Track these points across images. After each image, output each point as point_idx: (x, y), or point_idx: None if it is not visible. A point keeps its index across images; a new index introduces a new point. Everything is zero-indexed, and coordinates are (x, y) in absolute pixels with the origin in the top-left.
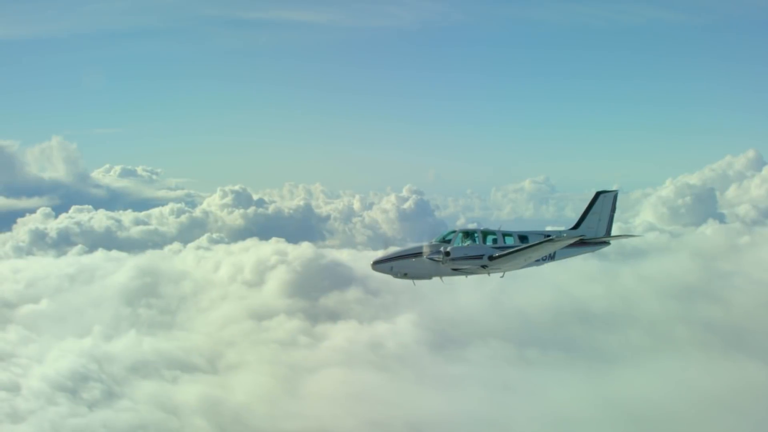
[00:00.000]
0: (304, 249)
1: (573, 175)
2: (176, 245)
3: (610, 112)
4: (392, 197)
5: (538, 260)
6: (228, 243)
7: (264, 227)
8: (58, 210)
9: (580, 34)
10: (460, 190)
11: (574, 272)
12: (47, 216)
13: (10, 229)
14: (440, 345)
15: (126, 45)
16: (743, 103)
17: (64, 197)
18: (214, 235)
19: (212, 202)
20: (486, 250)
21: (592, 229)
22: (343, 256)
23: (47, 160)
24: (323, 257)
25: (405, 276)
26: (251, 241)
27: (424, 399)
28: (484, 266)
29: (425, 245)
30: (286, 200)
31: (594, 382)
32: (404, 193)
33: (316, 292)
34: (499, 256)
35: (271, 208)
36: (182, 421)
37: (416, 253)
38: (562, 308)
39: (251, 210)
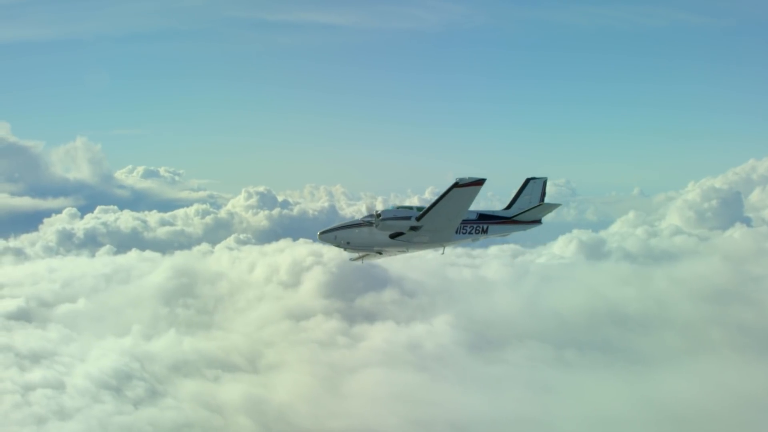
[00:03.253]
0: (339, 250)
1: (594, 179)
2: (205, 246)
3: (631, 115)
4: (415, 199)
5: (471, 233)
6: (255, 244)
7: (289, 228)
8: (84, 210)
9: (604, 37)
10: (481, 192)
11: (607, 275)
12: (73, 216)
13: (36, 229)
14: (478, 346)
15: (149, 46)
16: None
17: (89, 198)
18: (242, 236)
19: (237, 204)
20: (413, 213)
21: (532, 216)
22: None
23: (72, 160)
24: None
25: (348, 245)
26: (285, 242)
27: (465, 399)
28: (413, 228)
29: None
30: (308, 202)
31: (632, 383)
32: (427, 195)
33: (352, 293)
34: (423, 215)
35: (295, 210)
36: (227, 419)
37: (358, 224)
38: (596, 310)
39: (276, 211)
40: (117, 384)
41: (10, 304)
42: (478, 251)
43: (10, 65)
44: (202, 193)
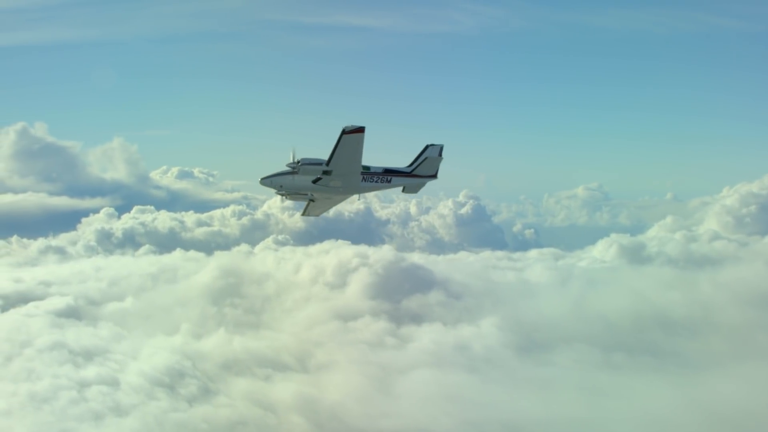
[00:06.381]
0: (385, 252)
1: (627, 183)
2: (244, 247)
3: (663, 120)
4: (449, 202)
5: (377, 182)
6: (294, 245)
7: (325, 230)
8: (121, 210)
9: (640, 42)
10: (512, 196)
11: (651, 279)
12: (110, 216)
13: (74, 229)
14: (526, 348)
15: (185, 48)
16: None
17: (125, 198)
18: (280, 237)
19: (273, 205)
20: (325, 160)
21: (425, 170)
22: (423, 259)
23: (108, 161)
24: (403, 260)
25: (281, 188)
26: (329, 244)
27: (516, 401)
28: (326, 172)
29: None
30: (342, 204)
31: (681, 386)
32: (461, 198)
33: (398, 295)
34: (329, 160)
35: (332, 211)
36: (280, 417)
37: (288, 172)
38: (642, 314)
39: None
40: (170, 381)
41: (59, 302)
42: (518, 254)
43: (48, 66)
44: (236, 194)
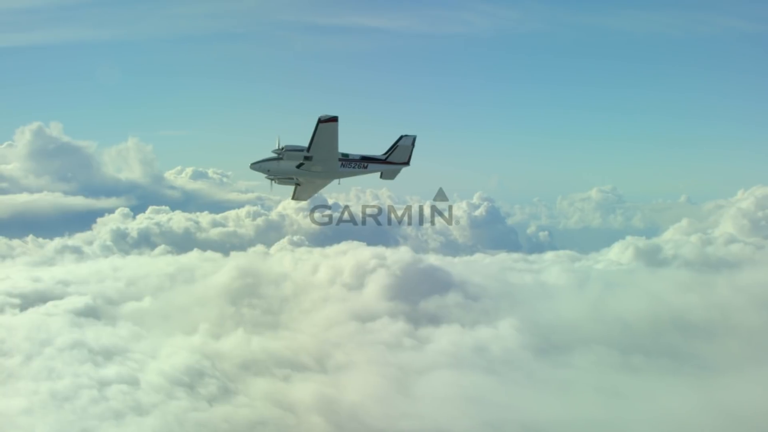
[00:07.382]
0: (402, 253)
1: (640, 185)
2: (260, 247)
3: (676, 123)
4: (463, 204)
5: (355, 168)
6: (309, 246)
7: (339, 231)
8: (136, 210)
9: (655, 44)
10: (526, 197)
11: (668, 282)
12: (126, 216)
13: (89, 229)
14: (544, 350)
15: (201, 49)
16: None
17: (140, 198)
18: (295, 238)
19: (288, 205)
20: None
21: (398, 157)
22: (440, 261)
23: (123, 161)
24: (421, 262)
25: (269, 172)
26: (346, 245)
27: (536, 402)
28: (307, 158)
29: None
30: (355, 205)
31: (700, 389)
32: (475, 200)
33: (416, 296)
34: (309, 147)
35: (345, 213)
36: (299, 418)
37: (275, 158)
38: (659, 316)
39: (327, 214)
40: (190, 381)
41: (78, 301)
42: (534, 256)
43: (63, 66)
44: (250, 195)
